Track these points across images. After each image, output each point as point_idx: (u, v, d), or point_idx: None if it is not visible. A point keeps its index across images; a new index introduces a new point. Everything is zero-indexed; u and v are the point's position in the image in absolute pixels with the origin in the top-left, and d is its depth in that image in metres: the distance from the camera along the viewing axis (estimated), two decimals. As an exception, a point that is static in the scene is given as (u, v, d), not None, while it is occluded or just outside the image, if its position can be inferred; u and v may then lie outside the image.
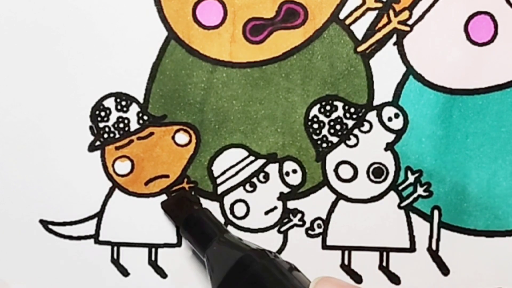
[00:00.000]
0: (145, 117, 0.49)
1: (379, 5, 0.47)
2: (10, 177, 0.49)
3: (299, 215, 0.49)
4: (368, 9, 0.47)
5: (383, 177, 0.48)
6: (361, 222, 0.49)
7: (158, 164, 0.49)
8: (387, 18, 0.47)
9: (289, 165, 0.49)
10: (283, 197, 0.49)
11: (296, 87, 0.48)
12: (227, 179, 0.49)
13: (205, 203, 0.49)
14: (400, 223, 0.49)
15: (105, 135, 0.49)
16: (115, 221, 0.49)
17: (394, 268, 0.49)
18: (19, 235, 0.49)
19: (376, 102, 0.48)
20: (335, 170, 0.48)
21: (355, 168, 0.48)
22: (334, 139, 0.48)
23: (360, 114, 0.48)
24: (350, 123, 0.48)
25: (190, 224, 0.46)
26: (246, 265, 0.41)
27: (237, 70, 0.48)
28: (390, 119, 0.48)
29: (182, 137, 0.49)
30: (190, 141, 0.49)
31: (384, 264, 0.49)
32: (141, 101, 0.48)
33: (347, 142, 0.48)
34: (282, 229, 0.49)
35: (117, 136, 0.49)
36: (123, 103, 0.48)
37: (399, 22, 0.47)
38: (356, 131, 0.48)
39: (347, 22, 0.47)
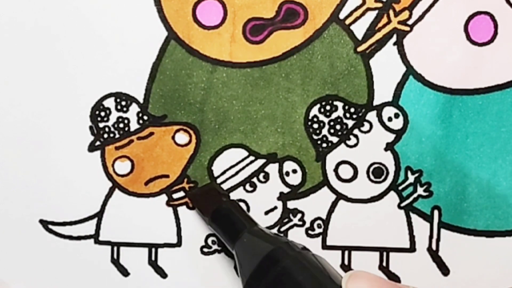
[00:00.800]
0: (145, 117, 0.49)
1: (379, 5, 0.47)
2: (10, 177, 0.49)
3: (299, 215, 0.49)
4: (368, 9, 0.47)
5: (383, 177, 0.48)
6: (361, 222, 0.49)
7: (158, 164, 0.49)
8: (387, 18, 0.47)
9: (289, 165, 0.49)
10: (283, 197, 0.49)
11: (296, 87, 0.48)
12: (227, 179, 0.49)
13: (205, 203, 0.49)
14: (400, 223, 0.49)
15: (105, 135, 0.49)
16: (115, 221, 0.49)
17: (394, 268, 0.49)
18: (19, 235, 0.49)
19: (376, 102, 0.48)
20: (335, 170, 0.48)
21: (355, 168, 0.48)
22: (334, 139, 0.48)
23: (360, 114, 0.48)
24: (350, 123, 0.48)
25: (219, 217, 0.46)
26: (277, 258, 0.41)
27: (237, 70, 0.48)
28: (390, 119, 0.48)
29: (182, 137, 0.49)
30: (190, 141, 0.49)
31: (384, 264, 0.49)
32: (141, 101, 0.48)
33: (347, 142, 0.48)
34: (282, 229, 0.49)
35: (117, 136, 0.49)
36: (123, 103, 0.48)
37: (399, 22, 0.47)
38: (356, 131, 0.48)
39: (347, 22, 0.47)
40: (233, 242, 0.44)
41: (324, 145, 0.48)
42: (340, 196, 0.49)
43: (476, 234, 0.48)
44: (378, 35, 0.47)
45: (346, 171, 0.48)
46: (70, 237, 0.49)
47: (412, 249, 0.49)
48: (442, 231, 0.48)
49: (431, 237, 0.48)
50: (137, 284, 0.49)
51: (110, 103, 0.48)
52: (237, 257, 0.43)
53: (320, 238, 0.49)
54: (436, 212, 0.48)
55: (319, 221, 0.49)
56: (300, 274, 0.39)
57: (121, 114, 0.48)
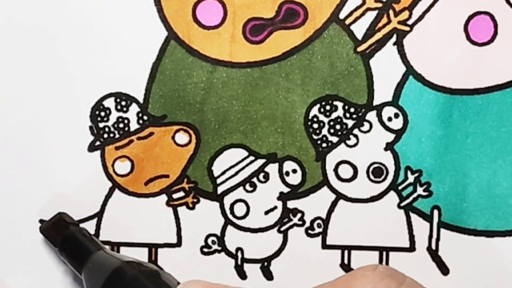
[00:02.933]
0: (145, 117, 0.48)
1: (379, 5, 0.47)
2: (10, 176, 0.49)
3: (299, 215, 0.49)
4: (368, 9, 0.47)
5: (383, 177, 0.48)
6: (361, 222, 0.49)
7: (158, 164, 0.49)
8: (387, 18, 0.47)
9: (289, 165, 0.49)
10: (283, 197, 0.49)
11: (296, 87, 0.48)
12: (227, 179, 0.49)
13: (205, 203, 0.49)
14: (400, 223, 0.49)
15: (105, 135, 0.49)
16: (115, 221, 0.49)
17: (394, 267, 0.49)
18: (19, 235, 0.49)
19: (376, 102, 0.48)
20: (335, 170, 0.49)
21: (355, 168, 0.48)
22: (334, 139, 0.48)
23: (360, 114, 0.48)
24: (350, 123, 0.48)
25: (67, 245, 0.46)
26: (117, 278, 0.42)
27: (237, 70, 0.48)
28: (390, 119, 0.48)
29: (182, 137, 0.49)
30: (190, 141, 0.49)
31: (384, 263, 0.49)
32: (141, 101, 0.48)
33: (347, 142, 0.48)
34: (282, 228, 0.49)
35: (117, 136, 0.49)
36: (123, 103, 0.48)
37: (399, 22, 0.47)
38: (356, 131, 0.48)
39: (347, 22, 0.47)
40: (81, 269, 0.45)
41: (324, 145, 0.48)
42: (340, 196, 0.49)
43: (476, 234, 0.48)
44: (378, 35, 0.47)
45: (346, 171, 0.48)
46: (70, 237, 0.49)
47: (411, 248, 0.49)
48: (442, 231, 0.48)
49: (430, 236, 0.49)
50: (137, 284, 0.49)
51: (110, 103, 0.48)
52: (84, 282, 0.44)
53: (320, 238, 0.49)
54: (435, 212, 0.48)
55: (319, 221, 0.49)
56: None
57: (121, 114, 0.48)
